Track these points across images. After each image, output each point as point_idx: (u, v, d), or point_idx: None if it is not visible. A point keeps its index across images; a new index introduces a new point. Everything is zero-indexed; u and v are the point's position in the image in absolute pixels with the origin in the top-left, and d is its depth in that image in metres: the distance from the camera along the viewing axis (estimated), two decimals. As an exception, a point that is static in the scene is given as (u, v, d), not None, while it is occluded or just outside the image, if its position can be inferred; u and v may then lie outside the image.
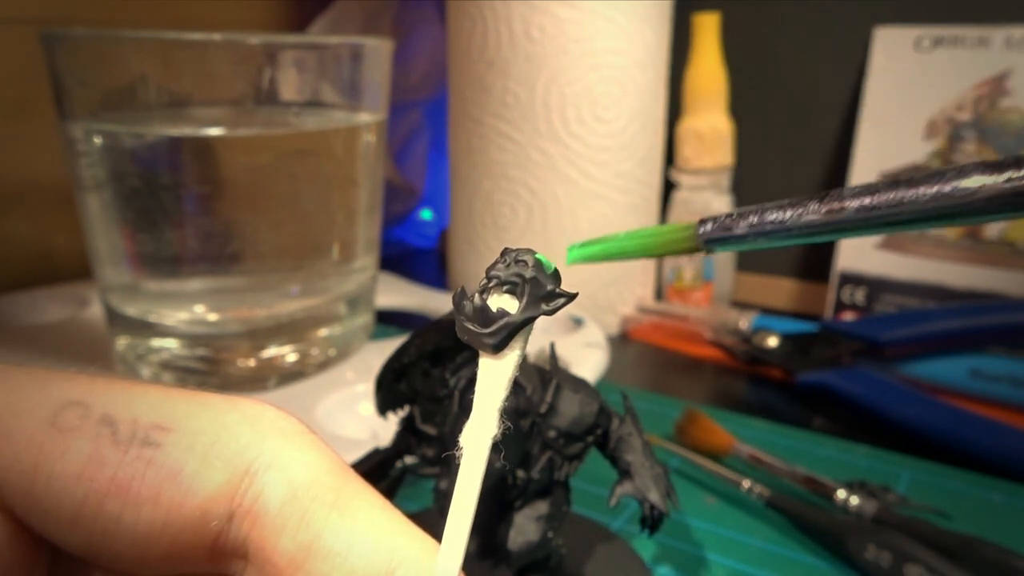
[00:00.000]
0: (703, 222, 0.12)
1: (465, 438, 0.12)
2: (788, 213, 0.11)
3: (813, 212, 0.11)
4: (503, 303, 0.12)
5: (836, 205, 0.11)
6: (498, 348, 0.12)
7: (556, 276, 0.13)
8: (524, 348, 0.13)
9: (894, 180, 0.11)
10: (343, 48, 0.39)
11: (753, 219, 0.11)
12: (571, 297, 0.13)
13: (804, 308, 0.59)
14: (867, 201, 0.11)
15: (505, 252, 0.13)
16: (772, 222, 0.11)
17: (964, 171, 0.10)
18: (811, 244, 0.59)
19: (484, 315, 0.12)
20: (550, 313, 0.12)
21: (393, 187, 0.69)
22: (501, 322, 0.12)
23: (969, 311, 0.45)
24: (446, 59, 0.55)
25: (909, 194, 0.10)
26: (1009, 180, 0.10)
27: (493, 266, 0.13)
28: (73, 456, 0.11)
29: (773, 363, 0.46)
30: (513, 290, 0.12)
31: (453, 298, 0.13)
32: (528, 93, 0.49)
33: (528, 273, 0.12)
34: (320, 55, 0.39)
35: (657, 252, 0.12)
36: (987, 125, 0.50)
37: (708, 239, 0.12)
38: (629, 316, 0.54)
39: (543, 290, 0.12)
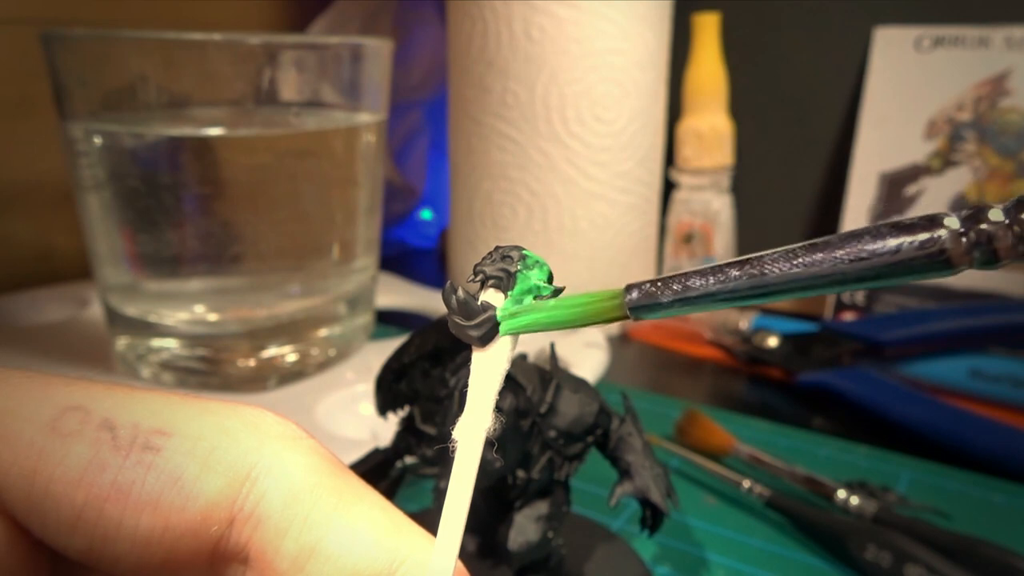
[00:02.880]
0: (629, 289, 0.12)
1: (459, 432, 0.13)
2: (711, 279, 0.11)
3: (735, 279, 0.11)
4: (489, 297, 0.13)
5: (756, 271, 0.11)
6: (484, 341, 0.13)
7: (545, 271, 0.13)
8: (515, 341, 0.13)
9: (812, 243, 0.11)
10: (343, 48, 0.39)
11: (677, 287, 0.12)
12: (557, 292, 0.13)
13: (804, 308, 0.59)
14: (785, 267, 0.11)
15: (495, 249, 0.13)
16: (695, 288, 0.11)
17: (879, 233, 0.10)
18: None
19: (468, 308, 0.13)
20: None
21: (393, 187, 0.69)
22: (485, 315, 0.13)
23: (969, 311, 0.45)
24: (446, 59, 0.55)
25: (828, 258, 0.11)
26: (923, 244, 0.10)
27: (481, 261, 0.13)
28: (73, 461, 0.11)
29: (773, 363, 0.46)
30: (499, 284, 0.13)
31: (442, 293, 0.13)
32: (528, 93, 0.49)
33: (513, 268, 0.13)
34: (320, 55, 0.39)
35: (586, 321, 0.13)
36: (987, 125, 0.50)
37: (634, 307, 0.12)
38: (629, 316, 0.53)
39: (529, 284, 0.13)
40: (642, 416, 0.26)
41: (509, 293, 0.13)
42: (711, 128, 0.55)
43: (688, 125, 0.56)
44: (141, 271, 0.40)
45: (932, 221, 0.10)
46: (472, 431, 0.12)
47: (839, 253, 0.10)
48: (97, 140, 0.37)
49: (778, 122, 0.59)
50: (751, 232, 0.61)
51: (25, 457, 0.11)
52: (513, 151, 0.50)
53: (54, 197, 0.54)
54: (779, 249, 0.11)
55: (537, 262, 0.13)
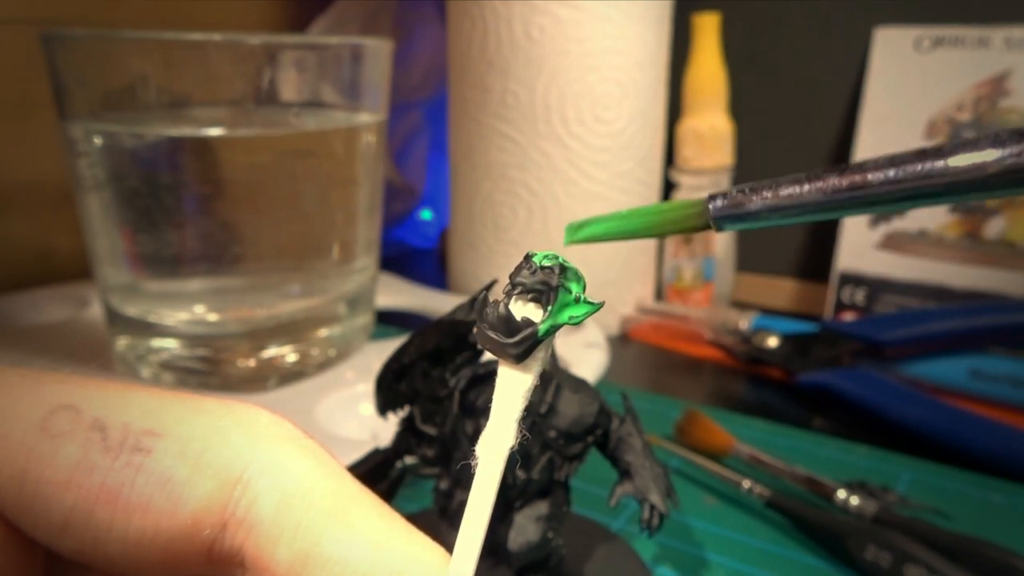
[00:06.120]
0: (713, 197, 0.11)
1: (481, 448, 0.12)
2: (806, 187, 0.10)
3: (833, 186, 0.10)
4: (527, 312, 0.12)
5: (858, 178, 0.10)
6: (521, 358, 0.12)
7: (582, 283, 0.12)
8: (546, 358, 0.12)
9: (920, 150, 0.10)
10: (343, 48, 0.39)
11: (767, 194, 0.11)
12: (597, 307, 0.12)
13: (804, 308, 0.59)
14: (892, 173, 0.10)
15: (529, 257, 0.12)
16: (788, 197, 0.11)
17: (998, 140, 0.09)
18: (812, 242, 0.59)
19: (509, 324, 0.12)
20: (575, 323, 0.12)
21: (393, 187, 0.69)
22: (526, 332, 0.12)
23: (969, 311, 0.45)
24: (446, 59, 0.55)
25: (937, 165, 0.10)
26: None
27: (518, 272, 0.12)
28: (62, 462, 0.11)
29: (773, 363, 0.46)
30: (538, 298, 0.12)
31: (475, 304, 0.12)
32: (528, 93, 0.49)
33: (555, 281, 0.12)
34: (320, 55, 0.39)
35: (663, 231, 0.11)
36: (987, 125, 0.50)
37: (718, 216, 0.11)
38: (629, 316, 0.54)
39: (569, 299, 0.12)
40: (642, 416, 0.26)
41: (549, 308, 0.12)
42: (711, 128, 0.55)
43: (688, 125, 0.56)
44: (141, 271, 0.40)
45: None
46: (495, 448, 0.12)
47: (951, 160, 0.09)
48: (97, 140, 0.37)
49: (778, 122, 0.59)
50: (751, 232, 0.61)
51: (15, 457, 0.11)
52: (513, 151, 0.50)
53: (54, 197, 0.54)
54: (881, 156, 0.10)
55: (575, 273, 0.12)
